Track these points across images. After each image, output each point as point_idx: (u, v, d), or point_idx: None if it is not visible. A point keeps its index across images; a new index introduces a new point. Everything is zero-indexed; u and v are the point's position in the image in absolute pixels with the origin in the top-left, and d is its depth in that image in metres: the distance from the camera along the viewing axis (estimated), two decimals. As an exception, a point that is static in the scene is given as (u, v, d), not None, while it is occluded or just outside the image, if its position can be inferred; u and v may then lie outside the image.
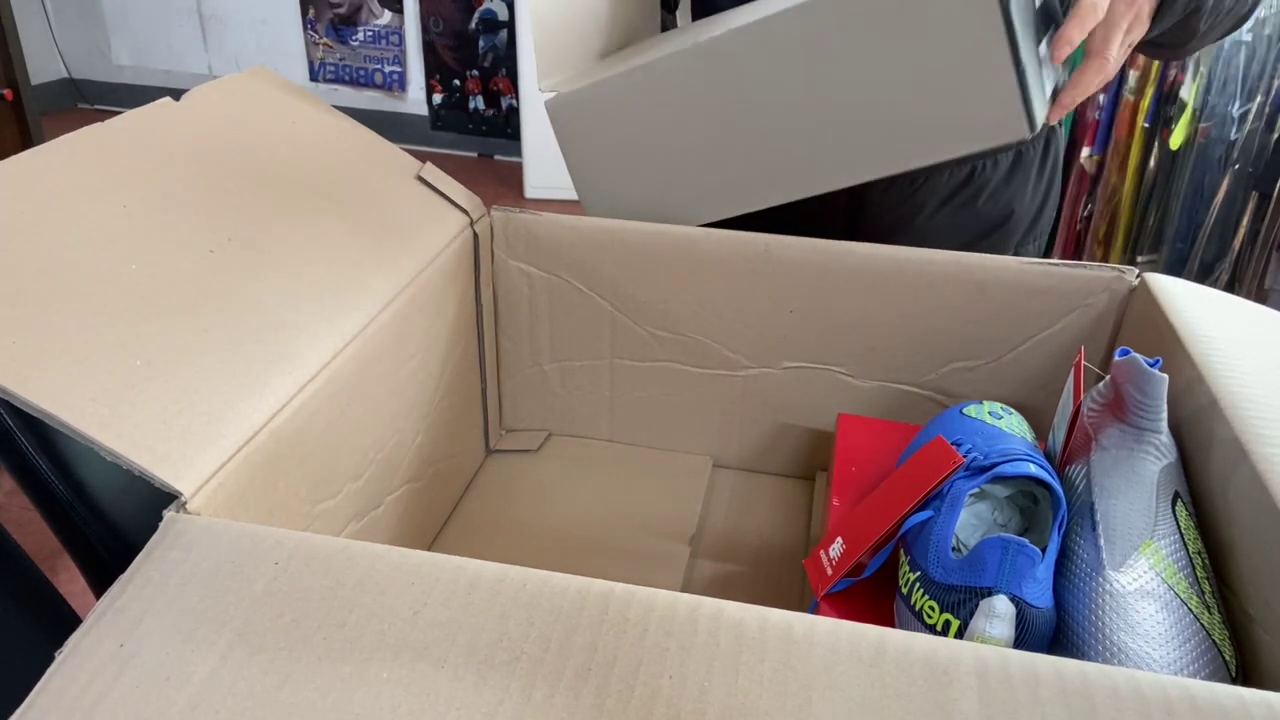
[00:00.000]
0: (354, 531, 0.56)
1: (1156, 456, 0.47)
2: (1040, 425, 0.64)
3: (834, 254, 0.66)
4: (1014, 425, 0.55)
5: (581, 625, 0.33)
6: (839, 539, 0.51)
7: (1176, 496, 0.46)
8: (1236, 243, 2.15)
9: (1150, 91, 2.07)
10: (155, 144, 0.54)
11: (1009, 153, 0.78)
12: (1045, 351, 0.66)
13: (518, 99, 3.37)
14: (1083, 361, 0.53)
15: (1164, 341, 0.55)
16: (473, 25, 3.35)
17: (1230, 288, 2.18)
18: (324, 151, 0.64)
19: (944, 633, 0.43)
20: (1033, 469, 0.47)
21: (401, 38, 3.45)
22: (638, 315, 0.72)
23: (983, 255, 0.64)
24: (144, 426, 0.40)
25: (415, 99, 3.54)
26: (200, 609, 0.34)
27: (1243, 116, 2.04)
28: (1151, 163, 2.13)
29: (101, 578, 0.64)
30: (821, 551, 0.52)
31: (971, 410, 0.57)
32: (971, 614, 0.42)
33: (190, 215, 0.51)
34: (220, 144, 0.58)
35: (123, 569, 0.36)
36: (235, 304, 0.48)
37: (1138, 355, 0.47)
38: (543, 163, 2.99)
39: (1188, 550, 0.44)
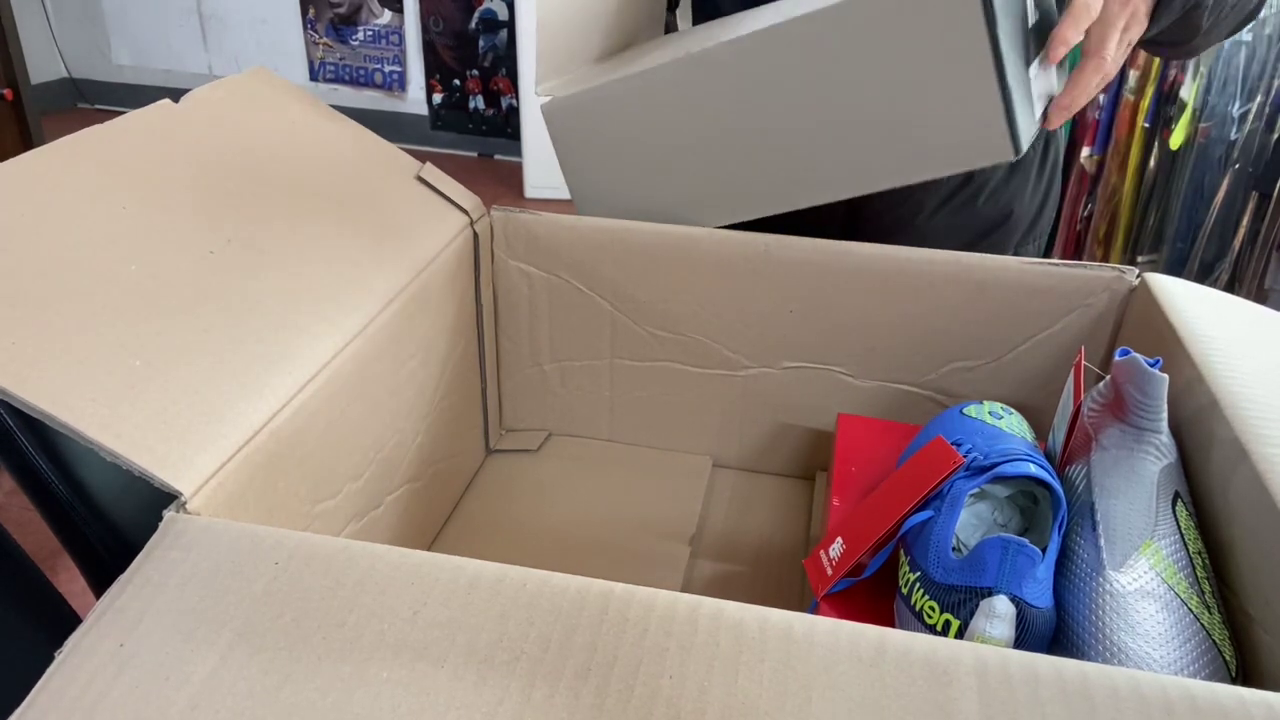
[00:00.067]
0: (354, 531, 0.56)
1: (1156, 456, 0.47)
2: (1040, 425, 0.64)
3: (834, 254, 0.66)
4: (1014, 425, 0.55)
5: (581, 625, 0.33)
6: (839, 539, 0.51)
7: (1176, 496, 0.46)
8: (1236, 243, 2.15)
9: (1150, 91, 2.07)
10: (155, 145, 0.54)
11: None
12: (1045, 351, 0.66)
13: (518, 99, 3.37)
14: (1083, 361, 0.53)
15: (1164, 341, 0.55)
16: (473, 25, 3.35)
17: (1230, 288, 2.18)
18: (324, 152, 0.65)
19: (944, 633, 0.43)
20: (1033, 469, 0.47)
21: (401, 37, 3.45)
22: (638, 315, 0.72)
23: (983, 255, 0.64)
24: (144, 426, 0.40)
25: (415, 99, 3.54)
26: (200, 609, 0.34)
27: (1243, 116, 2.04)
28: (1151, 163, 2.13)
29: (101, 578, 0.64)
30: (821, 551, 0.52)
31: (971, 410, 0.57)
32: (971, 614, 0.42)
33: (190, 216, 0.51)
34: (220, 145, 0.58)
35: (123, 569, 0.36)
36: (235, 304, 0.48)
37: (1138, 355, 0.47)
38: (543, 163, 2.99)
39: (1188, 550, 0.44)
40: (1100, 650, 0.40)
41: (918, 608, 0.45)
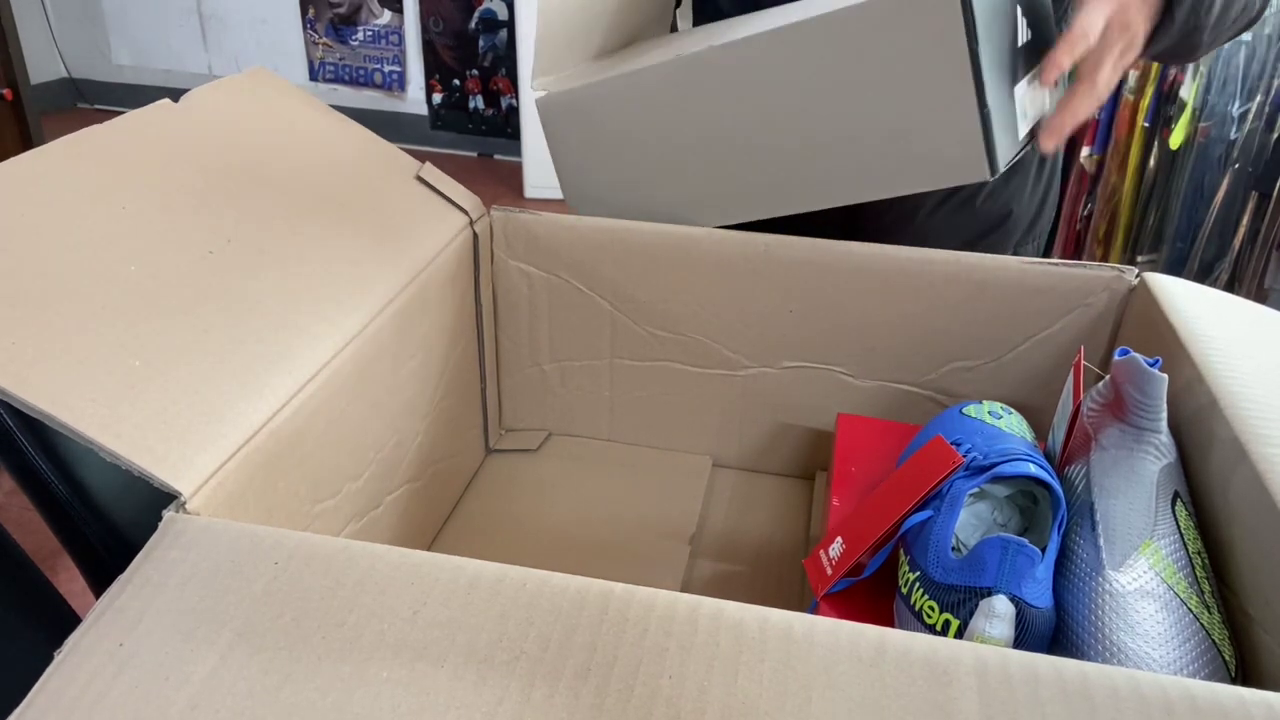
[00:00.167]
0: (354, 531, 0.56)
1: (1156, 456, 0.47)
2: (1040, 425, 0.64)
3: (834, 254, 0.66)
4: (1014, 425, 0.55)
5: (581, 625, 0.33)
6: (839, 539, 0.51)
7: (1176, 496, 0.46)
8: (1236, 242, 2.15)
9: (1150, 91, 2.07)
10: (155, 145, 0.54)
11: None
12: (1045, 351, 0.66)
13: (517, 99, 3.37)
14: (1082, 361, 0.53)
15: (1164, 341, 0.55)
16: (472, 25, 3.35)
17: (1230, 287, 2.18)
18: (324, 152, 0.65)
19: (944, 633, 0.43)
20: (1032, 469, 0.47)
21: (401, 37, 3.45)
22: (638, 315, 0.72)
23: (982, 255, 0.64)
24: (144, 426, 0.40)
25: (415, 99, 3.54)
26: (200, 609, 0.34)
27: (1243, 116, 2.04)
28: (1151, 162, 2.13)
29: (101, 578, 0.64)
30: (821, 551, 0.52)
31: (971, 410, 0.57)
32: (971, 614, 0.42)
33: (190, 216, 0.51)
34: (220, 145, 0.58)
35: (122, 569, 0.36)
36: (235, 304, 0.48)
37: (1137, 355, 0.47)
38: (543, 163, 2.98)
39: (1187, 550, 0.44)
40: (1100, 650, 0.40)
41: (917, 607, 0.45)
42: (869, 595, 0.51)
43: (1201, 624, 0.41)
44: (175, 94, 0.58)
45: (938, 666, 0.31)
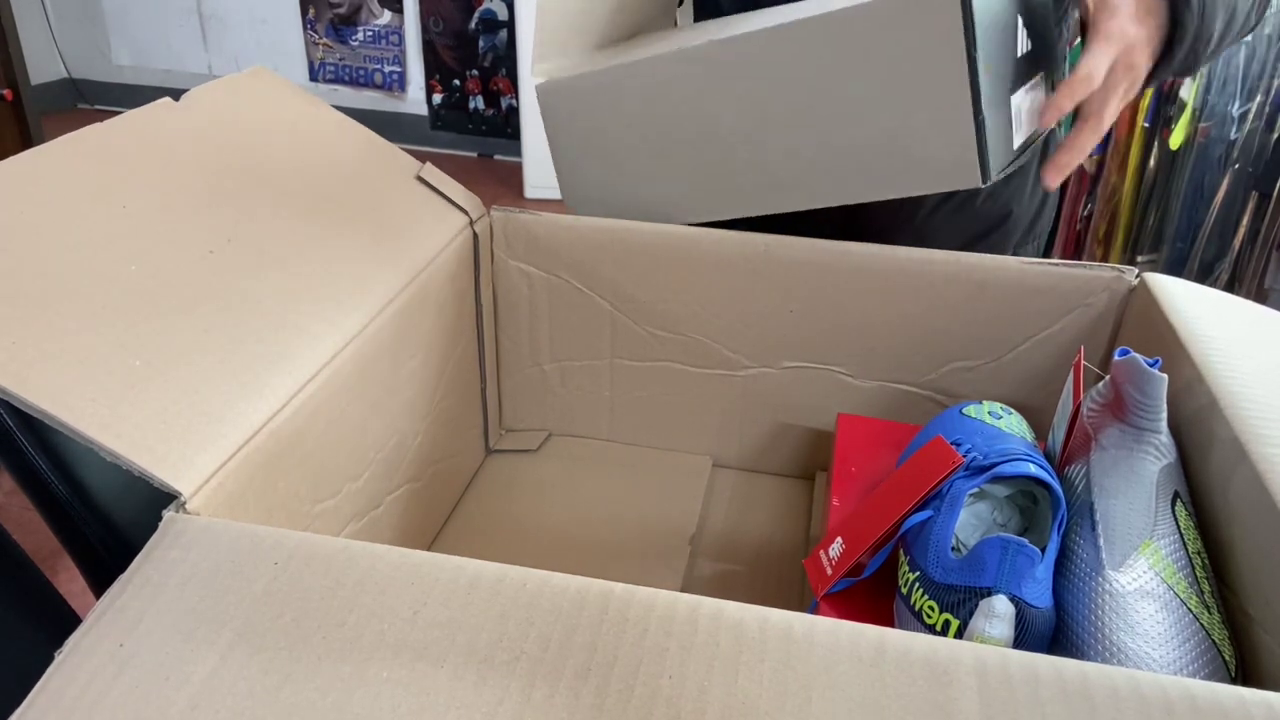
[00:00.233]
0: (354, 531, 0.56)
1: (1156, 456, 0.47)
2: (1040, 425, 0.64)
3: (834, 254, 0.66)
4: (1014, 425, 0.55)
5: (581, 625, 0.33)
6: (839, 539, 0.51)
7: (1176, 496, 0.46)
8: (1236, 242, 2.15)
9: (1150, 91, 2.07)
10: (155, 144, 0.54)
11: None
12: (1045, 351, 0.66)
13: (518, 99, 3.37)
14: (1082, 361, 0.53)
15: (1164, 341, 0.55)
16: (473, 25, 3.35)
17: (1230, 287, 2.18)
18: (323, 152, 0.65)
19: (944, 633, 0.43)
20: (1032, 469, 0.47)
21: (401, 38, 3.45)
22: (638, 315, 0.72)
23: (982, 255, 0.64)
24: (144, 426, 0.40)
25: (415, 99, 3.54)
26: (200, 609, 0.34)
27: (1243, 116, 2.04)
28: (1151, 162, 2.13)
29: (101, 578, 0.64)
30: (821, 551, 0.52)
31: (971, 410, 0.57)
32: (971, 614, 0.42)
33: (190, 215, 0.51)
34: (220, 144, 0.58)
35: (123, 569, 0.36)
36: (235, 304, 0.48)
37: (1137, 355, 0.47)
38: (543, 163, 2.98)
39: (1187, 550, 0.44)
40: (1100, 650, 0.40)
41: (917, 607, 0.45)
42: (869, 595, 0.51)
43: (1201, 624, 0.41)
44: (175, 94, 0.58)
45: (938, 666, 0.31)
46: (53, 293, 0.42)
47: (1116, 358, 0.48)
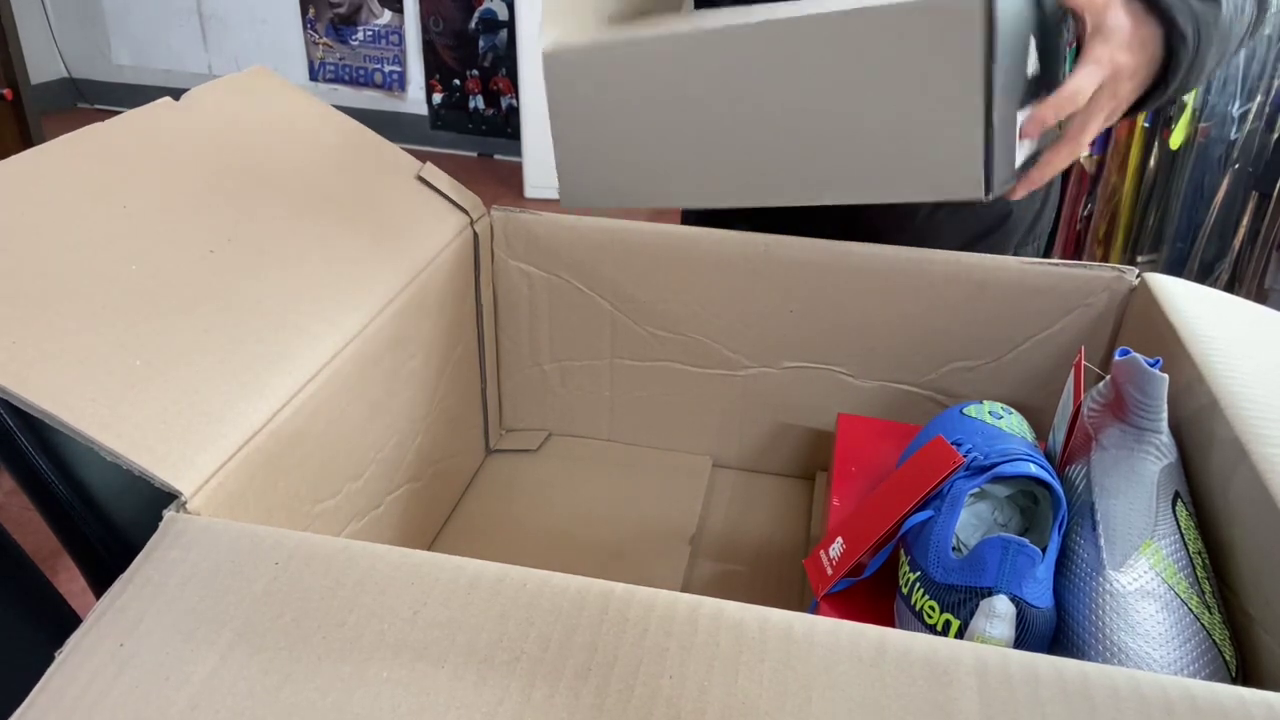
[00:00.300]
0: (354, 531, 0.56)
1: (1156, 456, 0.47)
2: (1040, 425, 0.64)
3: (834, 254, 0.66)
4: (1014, 425, 0.55)
5: (581, 625, 0.33)
6: (839, 539, 0.51)
7: (1176, 496, 0.46)
8: (1236, 242, 2.15)
9: (1150, 91, 2.06)
10: (155, 144, 0.54)
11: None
12: (1045, 351, 0.66)
13: (518, 99, 3.37)
14: (1083, 361, 0.53)
15: (1164, 341, 0.55)
16: (473, 25, 3.35)
17: (1230, 288, 2.18)
18: (323, 152, 0.64)
19: (944, 633, 0.43)
20: (1033, 469, 0.47)
21: (401, 37, 3.45)
22: (638, 315, 0.72)
23: (982, 255, 0.64)
24: (144, 426, 0.40)
25: (415, 99, 3.54)
26: (200, 609, 0.34)
27: (1243, 116, 2.04)
28: (1151, 162, 2.13)
29: (101, 578, 0.64)
30: (821, 551, 0.52)
31: (971, 410, 0.57)
32: (971, 614, 0.42)
33: (190, 215, 0.51)
34: (220, 144, 0.58)
35: (123, 569, 0.36)
36: (235, 304, 0.48)
37: (1138, 355, 0.47)
38: (542, 163, 2.98)
39: (1188, 550, 0.44)
40: (1100, 650, 0.40)
41: (918, 607, 0.45)
42: (869, 595, 0.51)
43: (1202, 624, 0.41)
44: (175, 94, 0.58)
45: (938, 666, 0.31)
46: (53, 293, 0.42)
47: (1117, 358, 0.48)
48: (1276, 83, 2.01)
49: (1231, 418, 0.46)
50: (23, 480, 0.60)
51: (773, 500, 0.74)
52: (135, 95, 3.69)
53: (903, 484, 0.50)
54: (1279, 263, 2.12)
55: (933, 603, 0.44)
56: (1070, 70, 0.56)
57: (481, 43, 3.38)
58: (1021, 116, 0.58)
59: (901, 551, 0.49)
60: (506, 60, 3.36)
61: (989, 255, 0.64)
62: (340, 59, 3.55)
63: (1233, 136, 2.06)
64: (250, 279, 0.50)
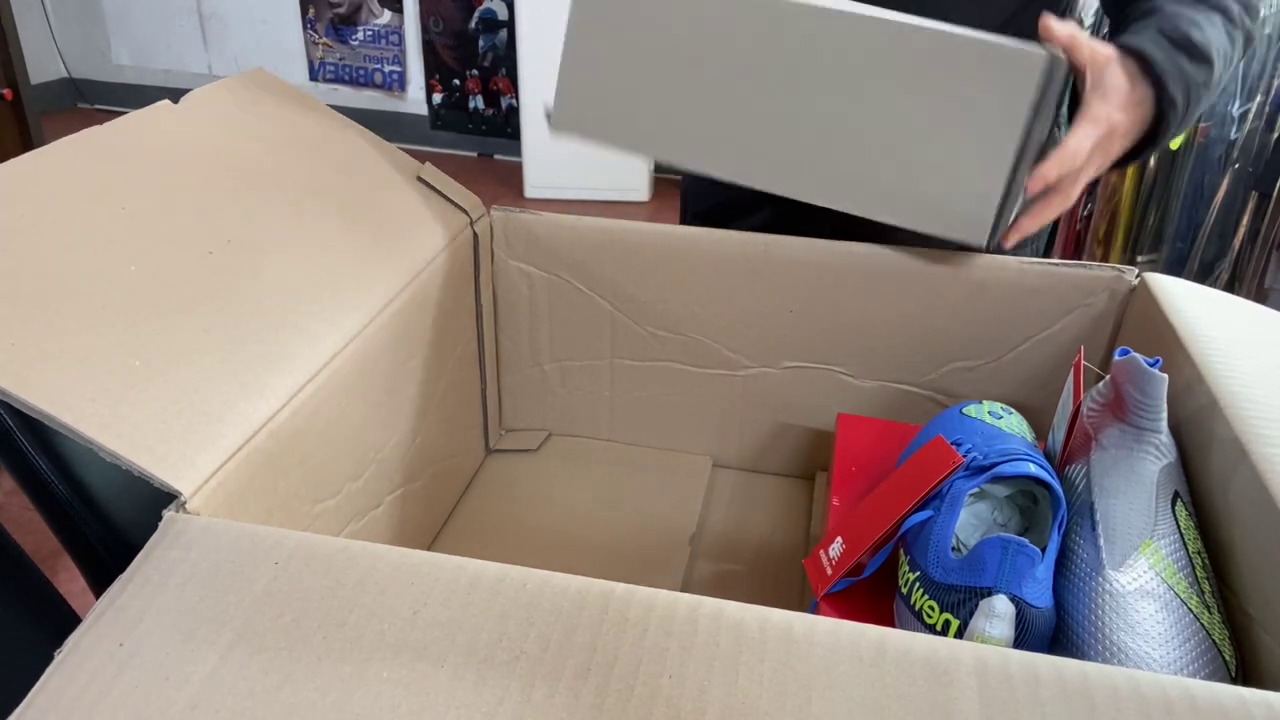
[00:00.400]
0: (354, 531, 0.56)
1: (1156, 456, 0.47)
2: (1040, 425, 0.64)
3: (834, 254, 0.66)
4: (1014, 425, 0.55)
5: (581, 625, 0.33)
6: (839, 539, 0.51)
7: (1176, 496, 0.46)
8: (1236, 242, 2.15)
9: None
10: (155, 146, 0.54)
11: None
12: (1045, 351, 0.66)
13: (518, 99, 3.37)
14: (1083, 361, 0.53)
15: (1164, 341, 0.55)
16: (473, 25, 3.35)
17: (1230, 287, 2.18)
18: (323, 152, 0.65)
19: (944, 633, 0.43)
20: (1033, 468, 0.47)
21: (401, 37, 3.45)
22: (638, 315, 0.72)
23: (982, 255, 0.64)
24: (144, 426, 0.40)
25: (415, 99, 3.54)
26: (200, 609, 0.34)
27: (1243, 116, 2.04)
28: (1151, 162, 2.13)
29: (101, 578, 0.64)
30: (821, 551, 0.52)
31: (971, 410, 0.57)
32: (971, 614, 0.42)
33: (190, 216, 0.51)
34: (220, 145, 0.58)
35: (123, 569, 0.36)
36: (235, 304, 0.48)
37: (1138, 355, 0.47)
38: (543, 163, 2.98)
39: (1187, 550, 0.44)
40: (1100, 650, 0.40)
41: (917, 607, 0.45)
42: (869, 595, 0.51)
43: (1202, 624, 0.41)
44: (175, 94, 0.58)
45: (938, 666, 0.31)
46: (53, 293, 0.42)
47: (1117, 358, 0.48)
48: (1276, 83, 2.01)
49: (1231, 418, 0.46)
50: (23, 480, 0.60)
51: (773, 500, 0.74)
52: (135, 95, 3.70)
53: (902, 484, 0.50)
54: (1279, 262, 2.12)
55: (932, 602, 0.44)
56: (1069, 127, 0.58)
57: (481, 43, 3.38)
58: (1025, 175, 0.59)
59: (901, 551, 0.49)
60: (506, 60, 3.36)
61: (989, 255, 0.64)
62: (340, 59, 3.55)
63: (1232, 136, 2.06)
64: (250, 279, 0.50)
